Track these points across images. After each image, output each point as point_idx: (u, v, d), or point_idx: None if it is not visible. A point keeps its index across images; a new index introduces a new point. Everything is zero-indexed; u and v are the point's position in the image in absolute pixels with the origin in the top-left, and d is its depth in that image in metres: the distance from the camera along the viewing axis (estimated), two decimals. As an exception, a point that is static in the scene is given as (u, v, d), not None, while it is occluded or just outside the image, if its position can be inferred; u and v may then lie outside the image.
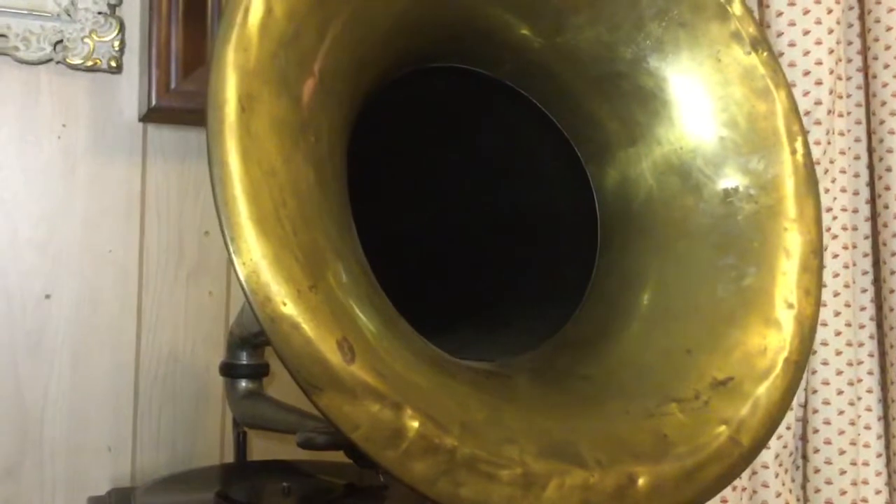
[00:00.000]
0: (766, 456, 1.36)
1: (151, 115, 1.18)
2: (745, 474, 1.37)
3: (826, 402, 1.36)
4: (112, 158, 1.21)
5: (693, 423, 0.66)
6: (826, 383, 1.36)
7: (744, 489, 1.35)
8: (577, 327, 0.75)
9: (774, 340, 0.70)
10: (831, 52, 1.25)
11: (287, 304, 0.55)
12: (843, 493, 1.38)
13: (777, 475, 1.39)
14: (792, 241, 0.74)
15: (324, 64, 0.61)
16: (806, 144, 0.76)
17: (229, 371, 1.11)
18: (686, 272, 0.74)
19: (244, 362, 1.12)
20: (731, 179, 0.75)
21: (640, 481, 0.62)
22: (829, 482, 1.39)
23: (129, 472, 1.20)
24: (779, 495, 1.39)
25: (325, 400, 0.54)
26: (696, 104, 0.76)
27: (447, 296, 0.77)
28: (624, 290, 0.75)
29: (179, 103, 1.17)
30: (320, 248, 0.59)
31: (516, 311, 0.79)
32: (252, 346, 1.13)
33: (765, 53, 0.76)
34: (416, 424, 0.56)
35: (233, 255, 0.55)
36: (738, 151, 0.75)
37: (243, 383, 1.11)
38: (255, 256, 0.55)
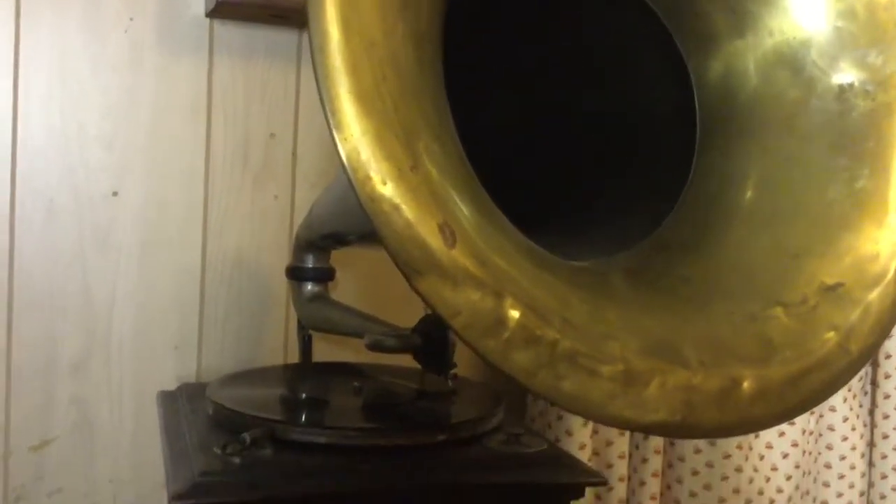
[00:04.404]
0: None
1: (218, 10, 1.15)
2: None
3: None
4: (178, 54, 1.19)
5: (800, 327, 0.63)
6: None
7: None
8: (674, 229, 0.71)
9: (887, 246, 0.66)
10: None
11: (387, 184, 0.52)
12: (915, 419, 1.35)
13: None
14: (910, 141, 0.69)
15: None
16: (929, 38, 0.71)
17: (295, 274, 1.10)
18: (794, 173, 0.70)
19: (310, 266, 1.10)
20: (846, 74, 0.70)
21: (745, 385, 0.59)
22: (900, 409, 1.36)
23: (195, 371, 1.21)
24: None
25: (426, 285, 0.52)
26: (811, -8, 0.71)
27: (536, 195, 0.74)
28: (725, 191, 0.71)
29: (246, -2, 1.13)
30: (419, 127, 0.56)
31: (607, 213, 0.76)
32: (318, 250, 1.11)
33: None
34: (517, 315, 0.54)
35: (333, 131, 0.52)
36: (854, 44, 0.70)
37: (309, 286, 1.10)
38: (355, 132, 0.52)
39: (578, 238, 0.72)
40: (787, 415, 0.61)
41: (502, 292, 0.54)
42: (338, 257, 1.11)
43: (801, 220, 0.68)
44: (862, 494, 1.38)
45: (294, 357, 1.22)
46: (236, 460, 0.75)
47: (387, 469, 0.78)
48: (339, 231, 1.00)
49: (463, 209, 0.56)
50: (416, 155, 0.54)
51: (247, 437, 0.76)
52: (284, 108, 1.24)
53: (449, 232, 0.53)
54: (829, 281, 0.65)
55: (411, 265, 0.52)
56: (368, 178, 0.52)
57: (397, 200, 0.52)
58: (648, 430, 0.56)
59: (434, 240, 0.53)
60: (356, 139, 0.52)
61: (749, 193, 0.71)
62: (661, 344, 0.59)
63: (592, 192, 0.78)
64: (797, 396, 0.61)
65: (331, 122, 0.51)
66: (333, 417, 0.87)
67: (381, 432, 0.82)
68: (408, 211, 0.52)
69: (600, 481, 0.86)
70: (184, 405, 0.92)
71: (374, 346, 0.87)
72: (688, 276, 0.66)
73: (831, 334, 0.63)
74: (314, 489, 0.75)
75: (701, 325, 0.62)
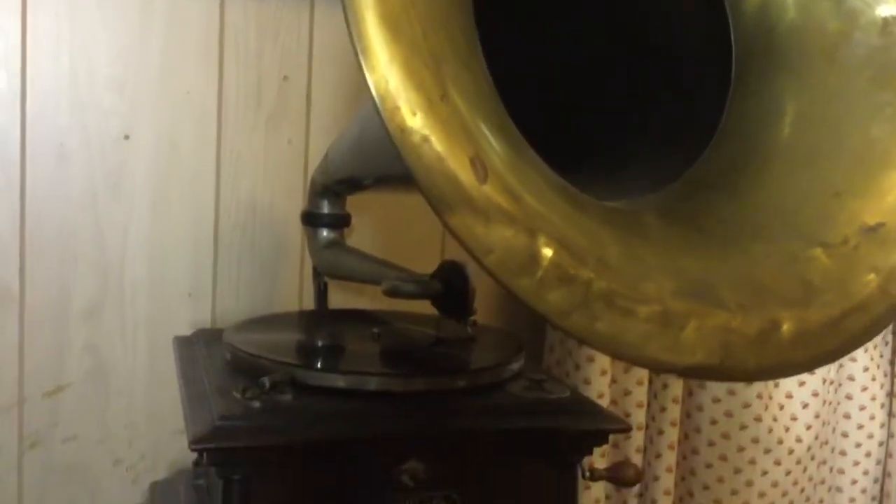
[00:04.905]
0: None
1: (231, -53, 1.12)
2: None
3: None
4: (190, -7, 1.16)
5: (840, 269, 0.61)
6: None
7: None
8: (708, 168, 0.69)
9: (932, 185, 0.63)
10: None
11: (417, 115, 0.50)
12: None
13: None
14: (956, 76, 0.66)
15: None
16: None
17: (311, 220, 1.08)
18: (835, 109, 0.67)
19: (326, 211, 1.08)
20: (891, 6, 0.67)
21: (784, 327, 0.57)
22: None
23: (210, 318, 1.19)
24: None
25: (457, 220, 0.50)
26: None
27: (565, 133, 0.71)
28: (761, 129, 0.68)
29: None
30: (448, 56, 0.53)
31: (637, 154, 0.73)
32: (334, 195, 1.09)
33: None
34: (550, 253, 0.52)
35: (360, 59, 0.49)
36: (901, -25, 0.66)
37: (325, 233, 1.08)
38: (383, 59, 0.49)
39: (608, 179, 0.70)
40: (827, 358, 0.60)
41: (535, 230, 0.52)
42: (352, 203, 1.09)
43: (841, 157, 0.66)
44: (881, 444, 1.37)
45: (309, 304, 1.20)
46: (256, 404, 0.74)
47: (408, 415, 0.77)
48: (355, 175, 0.98)
49: (494, 144, 0.54)
50: (446, 85, 0.52)
51: (266, 381, 0.75)
52: (298, 51, 1.21)
53: (480, 166, 0.51)
54: (871, 221, 0.63)
55: (442, 200, 0.50)
56: (397, 108, 0.49)
57: (427, 132, 0.50)
58: (686, 373, 0.54)
59: (465, 174, 0.50)
60: (384, 66, 0.49)
61: (787, 130, 0.68)
62: (698, 285, 0.57)
63: (622, 133, 0.75)
64: (837, 340, 0.59)
65: (357, 47, 0.49)
66: (353, 363, 0.86)
67: (402, 378, 0.80)
68: (438, 143, 0.50)
69: (624, 428, 0.84)
70: (201, 350, 0.91)
71: (393, 292, 0.85)
72: (724, 216, 0.64)
73: (872, 276, 0.61)
74: (335, 434, 0.74)
75: (738, 266, 0.60)
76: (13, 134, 1.11)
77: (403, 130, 0.49)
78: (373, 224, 1.25)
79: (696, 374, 0.55)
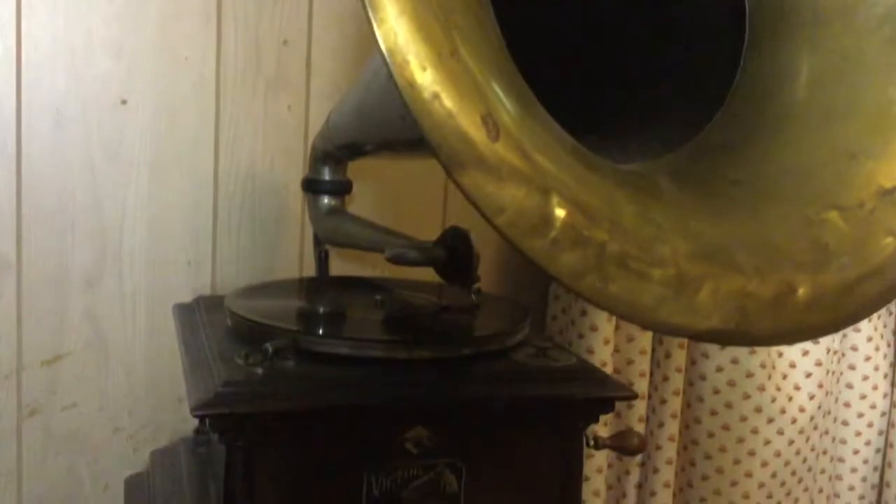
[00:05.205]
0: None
1: None
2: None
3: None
4: (187, -46, 1.13)
5: (856, 233, 0.60)
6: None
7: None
8: (721, 131, 0.67)
9: (949, 148, 0.62)
10: None
11: (427, 70, 0.48)
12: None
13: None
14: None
15: None
16: None
17: (312, 186, 1.07)
18: (851, 70, 0.66)
19: (327, 178, 1.07)
20: (910, -36, 0.65)
21: (800, 291, 0.56)
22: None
23: (210, 286, 1.18)
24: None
25: (468, 179, 0.49)
26: None
27: (571, 96, 0.70)
28: (775, 91, 0.67)
29: None
30: (458, 10, 0.51)
31: (647, 117, 0.72)
32: (335, 161, 1.07)
33: None
34: (563, 214, 0.51)
35: (369, 12, 0.48)
36: (921, -69, 0.65)
37: (325, 199, 1.07)
38: (392, 13, 0.48)
39: (620, 141, 0.68)
40: (843, 323, 0.59)
41: (548, 189, 0.51)
42: (352, 170, 1.08)
43: (857, 119, 0.64)
44: (883, 414, 1.37)
45: (309, 272, 1.19)
46: (259, 371, 0.73)
47: (413, 382, 0.76)
48: (358, 139, 0.96)
49: (505, 102, 0.52)
50: (456, 41, 0.50)
51: (269, 347, 0.74)
52: (298, 14, 1.19)
53: (492, 124, 0.49)
54: (887, 184, 0.61)
55: (453, 158, 0.48)
56: (406, 62, 0.48)
57: (437, 88, 0.48)
58: (701, 337, 0.53)
59: (476, 132, 0.49)
60: (393, 20, 0.47)
61: (802, 92, 0.66)
62: (713, 248, 0.55)
63: (634, 93, 0.74)
64: (853, 304, 0.58)
65: (365, 0, 0.47)
66: (357, 329, 0.85)
67: (407, 345, 0.79)
68: (448, 100, 0.49)
69: (630, 395, 0.84)
70: (201, 316, 0.90)
71: (397, 259, 0.84)
72: (737, 178, 0.63)
73: (889, 240, 0.60)
74: (339, 401, 0.73)
75: (753, 230, 0.59)
76: (8, 100, 1.09)
77: (413, 86, 0.48)
78: (373, 192, 1.23)
79: (711, 338, 0.54)
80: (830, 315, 0.57)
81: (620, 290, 0.51)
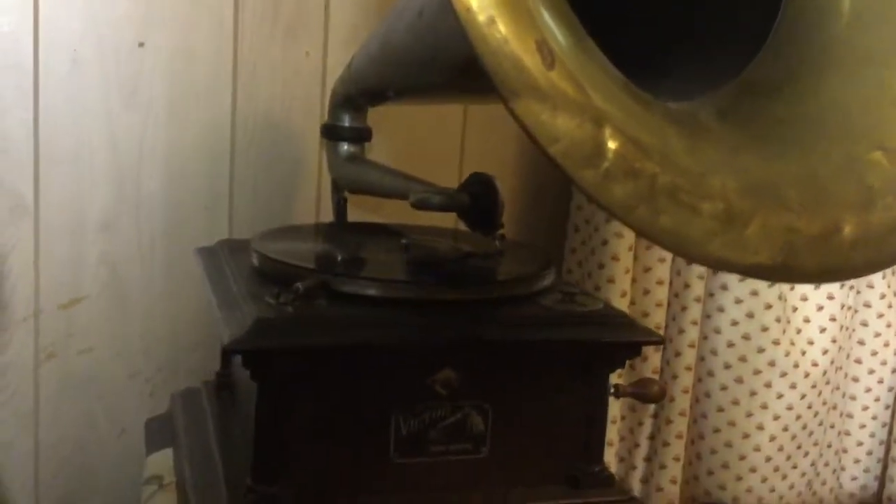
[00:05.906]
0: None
1: None
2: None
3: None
4: None
5: (901, 173, 0.59)
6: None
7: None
8: (764, 70, 0.66)
9: None
10: None
11: (484, -6, 0.47)
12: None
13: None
14: None
15: None
16: None
17: (332, 133, 1.06)
18: (895, 8, 0.65)
19: (347, 125, 1.05)
20: None
21: (846, 229, 0.56)
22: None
23: (227, 231, 1.18)
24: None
25: (523, 107, 0.48)
26: None
27: (607, 37, 0.69)
28: (818, 30, 0.66)
29: None
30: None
31: (688, 56, 0.71)
32: (355, 108, 1.06)
33: None
34: (615, 145, 0.50)
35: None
36: None
37: (345, 146, 1.05)
38: (448, -65, 0.47)
39: (660, 82, 0.68)
40: (887, 263, 0.59)
41: (601, 121, 0.50)
42: (368, 119, 1.07)
43: (901, 60, 0.64)
44: (893, 372, 1.37)
45: (326, 219, 1.19)
46: (290, 309, 0.72)
47: (443, 324, 0.76)
48: (383, 83, 0.95)
49: (557, 32, 0.51)
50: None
51: (300, 286, 0.73)
52: (317, -42, 1.18)
53: (547, 51, 0.49)
54: (932, 126, 0.61)
55: (507, 85, 0.48)
56: (463, -14, 0.47)
57: (493, 12, 0.48)
58: (748, 272, 0.53)
59: (531, 59, 0.48)
60: (450, -57, 0.46)
61: (847, 31, 0.66)
62: (760, 184, 0.55)
63: (672, 36, 0.73)
64: (897, 244, 0.58)
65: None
66: (386, 271, 0.84)
67: (437, 287, 0.79)
68: (503, 25, 0.48)
69: (657, 340, 0.84)
70: (226, 259, 0.89)
71: (421, 205, 0.83)
72: (782, 116, 0.62)
73: (933, 182, 0.59)
74: (371, 340, 0.73)
75: (800, 168, 0.58)
76: (25, 41, 1.07)
77: (469, 9, 0.47)
78: (389, 140, 1.22)
79: (758, 273, 0.53)
80: (875, 255, 0.57)
81: (670, 222, 0.51)
